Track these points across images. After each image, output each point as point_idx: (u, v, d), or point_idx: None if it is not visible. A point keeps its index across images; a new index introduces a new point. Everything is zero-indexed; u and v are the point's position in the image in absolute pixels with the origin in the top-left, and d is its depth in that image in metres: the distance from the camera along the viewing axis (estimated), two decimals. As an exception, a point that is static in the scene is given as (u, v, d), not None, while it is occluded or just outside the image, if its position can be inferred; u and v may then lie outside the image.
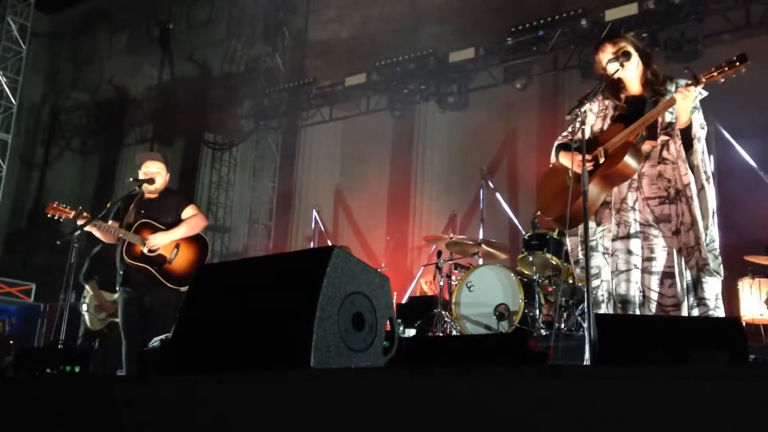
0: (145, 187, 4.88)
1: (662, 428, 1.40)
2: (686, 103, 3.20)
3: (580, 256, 3.49)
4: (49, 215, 4.88)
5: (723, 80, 3.15)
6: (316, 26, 11.72)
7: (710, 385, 1.38)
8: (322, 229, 10.79)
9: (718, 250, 3.28)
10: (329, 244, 10.49)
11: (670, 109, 3.32)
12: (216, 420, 1.82)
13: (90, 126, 14.20)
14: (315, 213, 10.86)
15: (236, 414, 1.81)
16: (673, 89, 3.38)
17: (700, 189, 3.26)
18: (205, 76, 12.50)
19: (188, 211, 4.89)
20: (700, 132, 3.33)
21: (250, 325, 2.12)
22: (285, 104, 11.02)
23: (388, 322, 2.27)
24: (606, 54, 3.54)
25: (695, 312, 3.22)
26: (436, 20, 10.19)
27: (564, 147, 3.70)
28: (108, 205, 5.05)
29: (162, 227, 4.76)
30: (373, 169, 10.42)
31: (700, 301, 3.21)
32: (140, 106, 13.40)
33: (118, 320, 4.93)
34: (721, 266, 3.26)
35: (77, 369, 3.82)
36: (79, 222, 4.73)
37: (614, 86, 3.58)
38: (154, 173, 4.91)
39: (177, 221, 4.83)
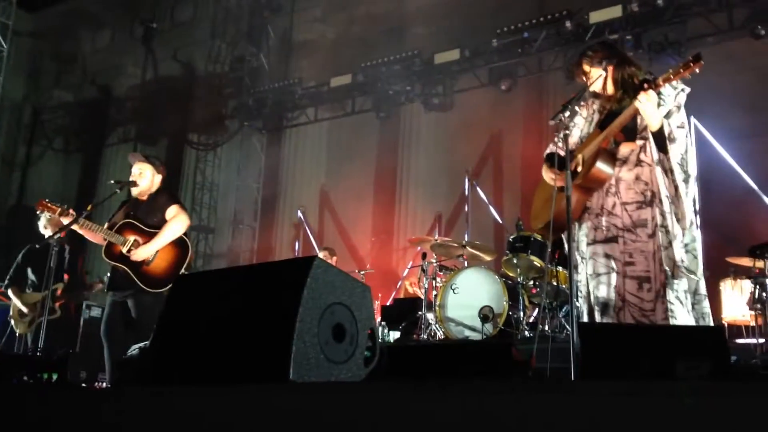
0: (133, 188, 4.86)
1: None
2: (649, 106, 3.21)
3: (582, 277, 3.49)
4: (38, 211, 4.86)
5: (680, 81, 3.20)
6: (301, 26, 11.66)
7: (692, 402, 1.37)
8: (307, 230, 10.75)
9: (699, 251, 3.29)
10: (314, 245, 10.45)
11: (641, 109, 3.33)
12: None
13: (72, 125, 14.05)
14: (300, 214, 10.82)
15: (214, 428, 1.78)
16: (663, 94, 3.39)
17: (675, 192, 3.26)
18: (189, 75, 12.41)
19: (170, 211, 4.80)
20: (677, 132, 3.32)
21: (229, 337, 2.09)
22: (270, 105, 10.96)
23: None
24: (586, 66, 3.57)
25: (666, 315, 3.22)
26: (421, 21, 10.18)
27: (551, 157, 3.71)
28: (90, 207, 4.99)
29: (144, 228, 4.72)
30: (359, 170, 10.39)
31: (665, 301, 3.21)
32: (123, 106, 13.28)
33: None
34: (700, 267, 3.27)
35: (54, 377, 3.77)
36: (64, 220, 4.69)
37: (596, 93, 3.61)
38: (136, 175, 4.87)
39: (162, 222, 4.78)
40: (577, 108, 3.47)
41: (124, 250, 4.62)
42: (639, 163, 3.39)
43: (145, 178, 4.87)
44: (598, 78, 3.48)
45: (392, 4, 10.39)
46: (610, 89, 3.54)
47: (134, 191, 4.87)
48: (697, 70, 3.10)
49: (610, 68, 3.51)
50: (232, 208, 11.76)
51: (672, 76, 3.17)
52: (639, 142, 3.41)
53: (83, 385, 4.57)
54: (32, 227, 6.43)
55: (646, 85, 3.24)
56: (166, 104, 12.19)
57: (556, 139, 3.82)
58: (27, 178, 14.04)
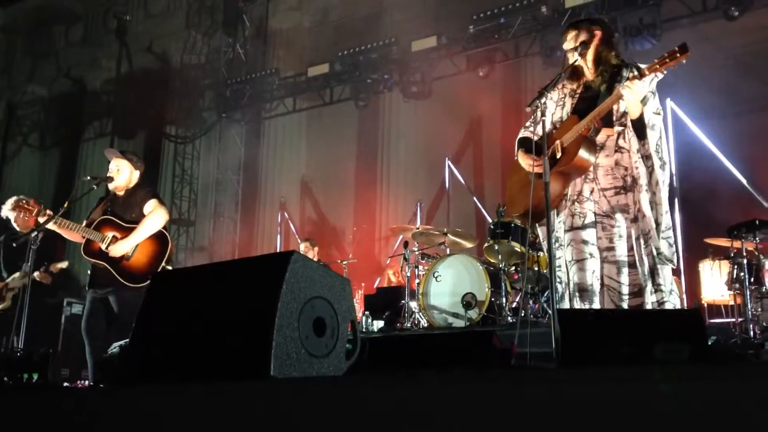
0: (110, 184, 4.81)
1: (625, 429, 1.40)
2: (633, 96, 3.23)
3: (561, 263, 3.50)
4: (11, 211, 4.79)
5: (665, 71, 3.19)
6: (277, 15, 11.56)
7: (671, 388, 1.39)
8: (289, 221, 10.72)
9: (673, 238, 3.33)
10: (296, 237, 10.42)
11: (625, 97, 3.34)
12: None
13: (48, 121, 13.87)
14: (282, 200, 10.76)
15: (195, 427, 1.77)
16: (625, 75, 3.41)
17: (653, 178, 3.29)
18: (164, 67, 12.27)
19: (148, 206, 4.76)
20: (654, 119, 3.35)
21: (208, 334, 2.07)
22: (248, 96, 10.88)
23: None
24: (568, 43, 3.57)
25: (653, 298, 3.26)
26: (398, 8, 10.13)
27: (525, 142, 3.72)
28: (66, 204, 4.93)
29: (122, 224, 4.68)
30: (339, 160, 10.37)
31: (657, 288, 3.26)
32: (99, 100, 13.12)
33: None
34: (675, 254, 3.31)
35: (35, 377, 3.73)
36: (41, 219, 4.63)
37: (575, 71, 3.60)
38: (114, 171, 4.82)
39: (140, 217, 4.74)
40: (544, 100, 3.48)
41: (103, 246, 4.57)
42: (618, 149, 3.41)
43: (123, 174, 4.82)
44: (582, 42, 3.47)
45: (368, -8, 10.34)
46: (590, 64, 3.55)
47: (111, 186, 4.82)
48: (684, 61, 3.10)
49: (598, 34, 3.50)
50: (213, 201, 11.68)
51: (658, 66, 3.17)
52: (617, 129, 3.42)
53: (65, 384, 4.54)
54: (8, 224, 6.37)
55: (632, 75, 3.26)
56: (142, 97, 12.05)
57: (528, 124, 3.83)
58: (3, 174, 13.85)
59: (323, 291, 2.13)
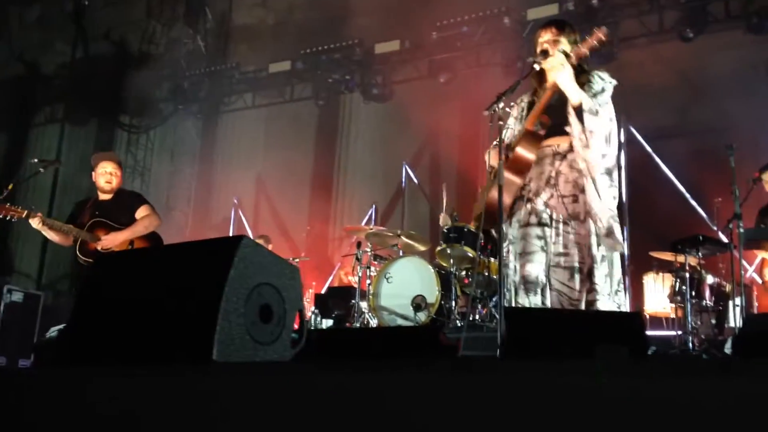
0: (101, 188, 4.95)
1: (564, 420, 1.42)
2: (558, 74, 3.36)
3: (510, 259, 3.52)
4: (0, 216, 4.71)
5: (588, 52, 3.41)
6: (241, 10, 11.45)
7: (607, 380, 1.41)
8: (242, 217, 10.60)
9: (619, 228, 3.38)
10: (249, 232, 10.31)
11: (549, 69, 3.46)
12: (107, 415, 1.73)
13: (-3, 104, 13.43)
14: (235, 201, 10.65)
15: (130, 408, 1.73)
16: (593, 80, 3.48)
17: (594, 181, 3.35)
18: (121, 55, 12.00)
19: (141, 212, 4.92)
20: (602, 109, 3.37)
21: (151, 316, 2.03)
22: (206, 88, 10.73)
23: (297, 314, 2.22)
24: (543, 37, 3.62)
25: (590, 297, 3.32)
26: (363, 11, 10.13)
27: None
28: (9, 186, 4.85)
29: (116, 226, 4.80)
30: (296, 158, 10.29)
31: (592, 286, 3.31)
32: (51, 85, 12.75)
33: None
34: (617, 256, 3.38)
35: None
36: (32, 222, 4.66)
37: (538, 76, 3.66)
38: (111, 174, 4.94)
39: (131, 221, 4.88)
40: (507, 109, 3.54)
41: (99, 248, 4.70)
42: (571, 149, 3.45)
43: (117, 179, 4.98)
44: (544, 63, 3.52)
45: (334, -8, 10.31)
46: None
47: (104, 190, 4.94)
48: (602, 36, 3.34)
49: (581, 53, 3.54)
50: (165, 194, 11.47)
51: (580, 46, 3.39)
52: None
53: None
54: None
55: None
56: (96, 84, 11.76)
57: (495, 143, 3.88)
58: (-52, 158, 13.35)
59: (272, 278, 2.11)
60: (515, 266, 3.45)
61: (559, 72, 3.38)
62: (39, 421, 1.82)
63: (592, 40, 3.34)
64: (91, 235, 4.71)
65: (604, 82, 3.47)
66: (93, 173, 5.00)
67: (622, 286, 3.40)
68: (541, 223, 3.43)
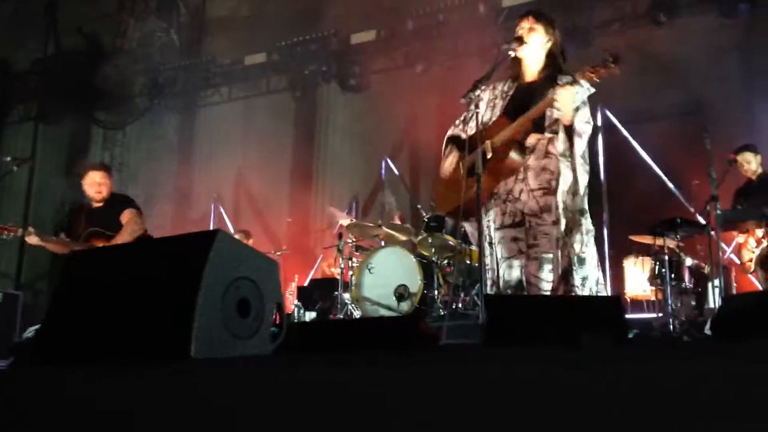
0: (91, 197, 4.99)
1: (547, 406, 1.42)
2: (566, 102, 3.30)
3: (492, 261, 3.54)
4: None
5: (598, 79, 3.26)
6: (215, 2, 11.33)
7: (591, 366, 1.42)
8: (222, 212, 10.52)
9: (591, 243, 3.41)
10: (230, 227, 10.25)
11: (557, 105, 3.39)
12: (84, 414, 1.71)
13: (-32, 102, 13.18)
14: (214, 196, 10.57)
15: (110, 408, 1.71)
16: (559, 82, 3.46)
17: (576, 185, 3.38)
18: (94, 51, 11.83)
19: (124, 216, 4.95)
20: (583, 127, 3.42)
21: (127, 313, 2.00)
22: (181, 82, 10.61)
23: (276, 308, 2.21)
24: (522, 27, 3.60)
25: (565, 290, 3.34)
26: (338, 1, 10.07)
27: (454, 139, 3.77)
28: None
29: (111, 234, 4.84)
30: (275, 151, 10.23)
31: (570, 289, 3.32)
32: (24, 82, 12.54)
33: None
34: (593, 258, 3.40)
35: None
36: (28, 239, 4.71)
37: (515, 65, 3.64)
38: (100, 184, 4.97)
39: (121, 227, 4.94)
40: (478, 92, 3.52)
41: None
42: (547, 154, 3.45)
43: (106, 188, 5.01)
44: (518, 51, 3.52)
45: (308, -18, 10.23)
46: (535, 71, 3.60)
47: (95, 198, 4.99)
48: (616, 73, 3.17)
49: (552, 42, 3.53)
50: (144, 191, 11.34)
51: (590, 73, 3.23)
52: (548, 135, 3.46)
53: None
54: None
55: (563, 82, 3.32)
56: (70, 80, 11.57)
57: (456, 122, 3.88)
58: None
59: (249, 272, 2.09)
60: (498, 271, 3.47)
61: (569, 110, 3.33)
62: (13, 422, 1.80)
63: (606, 71, 3.19)
64: (87, 246, 4.75)
65: (583, 88, 3.35)
66: (82, 182, 5.06)
67: (601, 285, 3.42)
68: (515, 223, 3.45)
